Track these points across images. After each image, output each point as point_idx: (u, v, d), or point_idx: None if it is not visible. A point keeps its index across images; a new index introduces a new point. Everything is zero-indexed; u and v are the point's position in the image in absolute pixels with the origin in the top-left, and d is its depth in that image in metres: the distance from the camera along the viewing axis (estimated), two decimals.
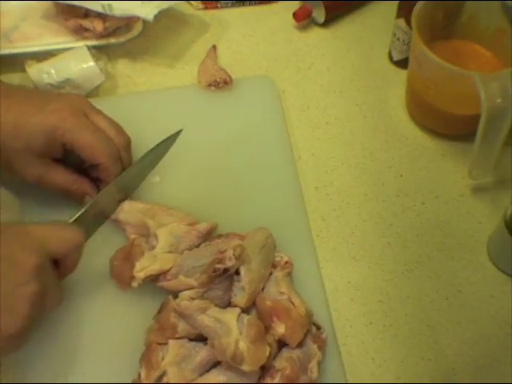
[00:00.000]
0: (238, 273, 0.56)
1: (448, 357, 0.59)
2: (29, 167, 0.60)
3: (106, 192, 0.61)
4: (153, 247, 0.59)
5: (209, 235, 0.61)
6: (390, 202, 0.69)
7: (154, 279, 0.58)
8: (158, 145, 0.65)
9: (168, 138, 0.66)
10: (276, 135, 0.72)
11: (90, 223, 0.59)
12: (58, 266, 0.54)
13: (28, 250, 0.50)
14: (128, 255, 0.59)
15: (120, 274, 0.59)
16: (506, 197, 0.69)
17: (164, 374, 0.53)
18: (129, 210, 0.63)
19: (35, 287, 0.49)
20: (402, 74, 0.79)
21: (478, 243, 0.66)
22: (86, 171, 0.63)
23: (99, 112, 0.63)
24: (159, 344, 0.55)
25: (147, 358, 0.54)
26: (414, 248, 0.66)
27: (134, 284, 0.57)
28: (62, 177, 0.61)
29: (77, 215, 0.57)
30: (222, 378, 0.53)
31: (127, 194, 0.64)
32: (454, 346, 0.60)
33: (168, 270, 0.57)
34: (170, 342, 0.55)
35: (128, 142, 0.64)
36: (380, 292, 0.63)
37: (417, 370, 0.58)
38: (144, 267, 0.57)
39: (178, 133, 0.67)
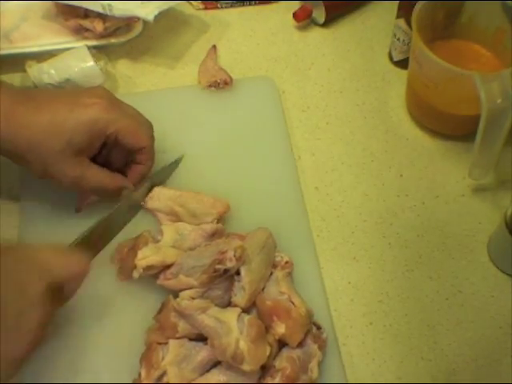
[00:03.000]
0: (238, 273, 0.56)
1: (448, 357, 0.59)
2: (67, 168, 0.58)
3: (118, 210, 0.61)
4: (158, 241, 0.59)
5: (214, 236, 0.61)
6: (390, 202, 0.69)
7: (154, 275, 0.58)
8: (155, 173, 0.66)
9: (167, 167, 0.67)
10: (276, 135, 0.72)
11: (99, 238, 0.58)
12: (57, 292, 0.52)
13: (35, 275, 0.49)
14: (134, 246, 0.59)
15: (123, 263, 0.59)
16: (506, 197, 0.69)
17: (164, 373, 0.53)
18: (158, 197, 0.63)
19: (41, 313, 0.48)
20: (402, 74, 0.79)
21: (478, 243, 0.66)
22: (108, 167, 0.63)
23: (124, 102, 0.62)
24: (159, 344, 0.55)
25: (147, 357, 0.54)
26: (414, 248, 0.66)
27: (135, 274, 0.57)
28: (99, 175, 0.60)
29: (84, 234, 0.57)
30: (222, 378, 0.53)
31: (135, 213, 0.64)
32: (454, 346, 0.60)
33: (170, 266, 0.57)
34: (171, 341, 0.55)
35: (152, 128, 0.63)
36: (380, 292, 0.63)
37: (417, 370, 0.58)
38: (146, 256, 0.57)
39: (177, 161, 0.68)
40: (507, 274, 0.64)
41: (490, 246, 0.65)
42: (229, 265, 0.55)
